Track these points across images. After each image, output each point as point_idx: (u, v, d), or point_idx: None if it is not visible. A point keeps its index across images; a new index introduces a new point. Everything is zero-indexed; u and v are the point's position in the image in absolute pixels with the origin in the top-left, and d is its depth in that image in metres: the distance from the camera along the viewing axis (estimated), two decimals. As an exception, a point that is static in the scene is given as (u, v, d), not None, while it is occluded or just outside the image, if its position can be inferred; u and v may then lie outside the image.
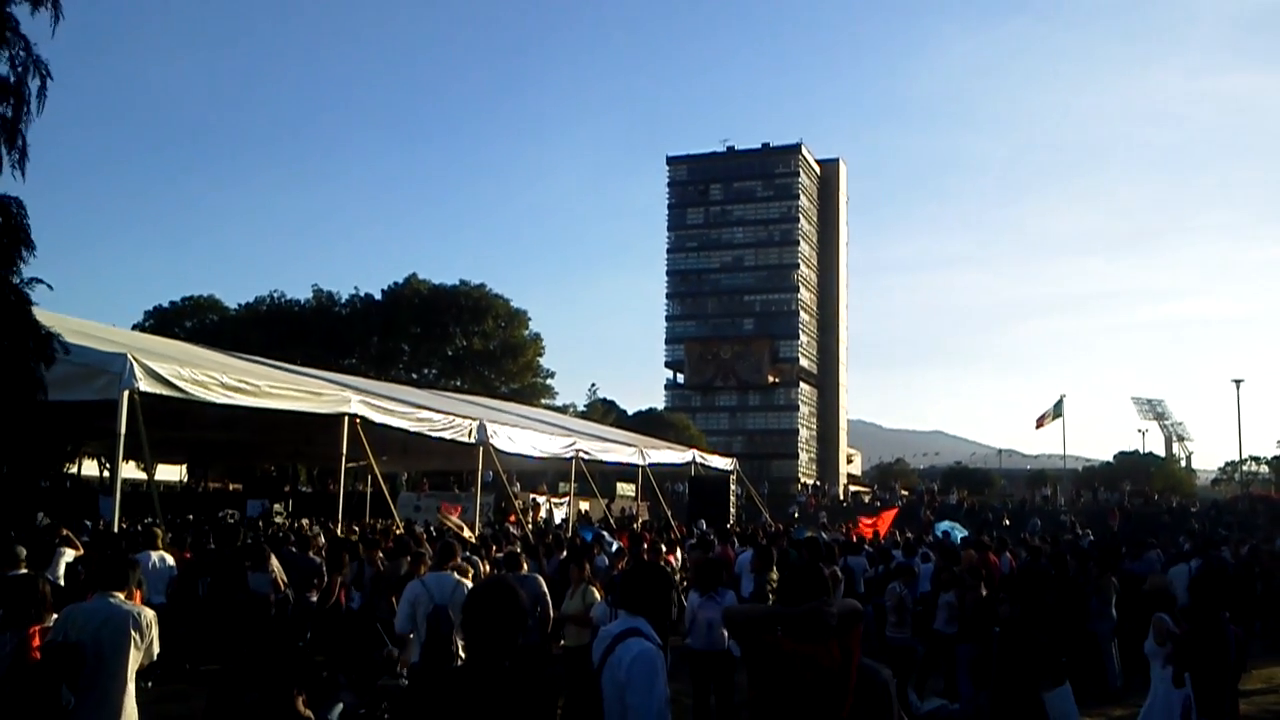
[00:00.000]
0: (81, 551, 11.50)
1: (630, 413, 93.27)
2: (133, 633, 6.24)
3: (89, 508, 26.44)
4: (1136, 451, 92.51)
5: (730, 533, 18.21)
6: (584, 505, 34.06)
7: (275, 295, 71.87)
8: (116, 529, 12.75)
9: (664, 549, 16.55)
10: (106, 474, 35.56)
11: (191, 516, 27.52)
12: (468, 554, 12.45)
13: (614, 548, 17.07)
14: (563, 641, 11.32)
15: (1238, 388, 64.34)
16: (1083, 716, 11.44)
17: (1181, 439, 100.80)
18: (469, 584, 8.61)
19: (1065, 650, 11.86)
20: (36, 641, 6.52)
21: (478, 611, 3.84)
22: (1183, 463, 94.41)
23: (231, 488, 41.45)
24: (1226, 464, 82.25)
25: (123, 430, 11.95)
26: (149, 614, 6.44)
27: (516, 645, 3.78)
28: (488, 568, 13.02)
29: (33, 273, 7.65)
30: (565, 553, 14.01)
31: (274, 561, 12.14)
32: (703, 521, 26.25)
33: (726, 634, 9.73)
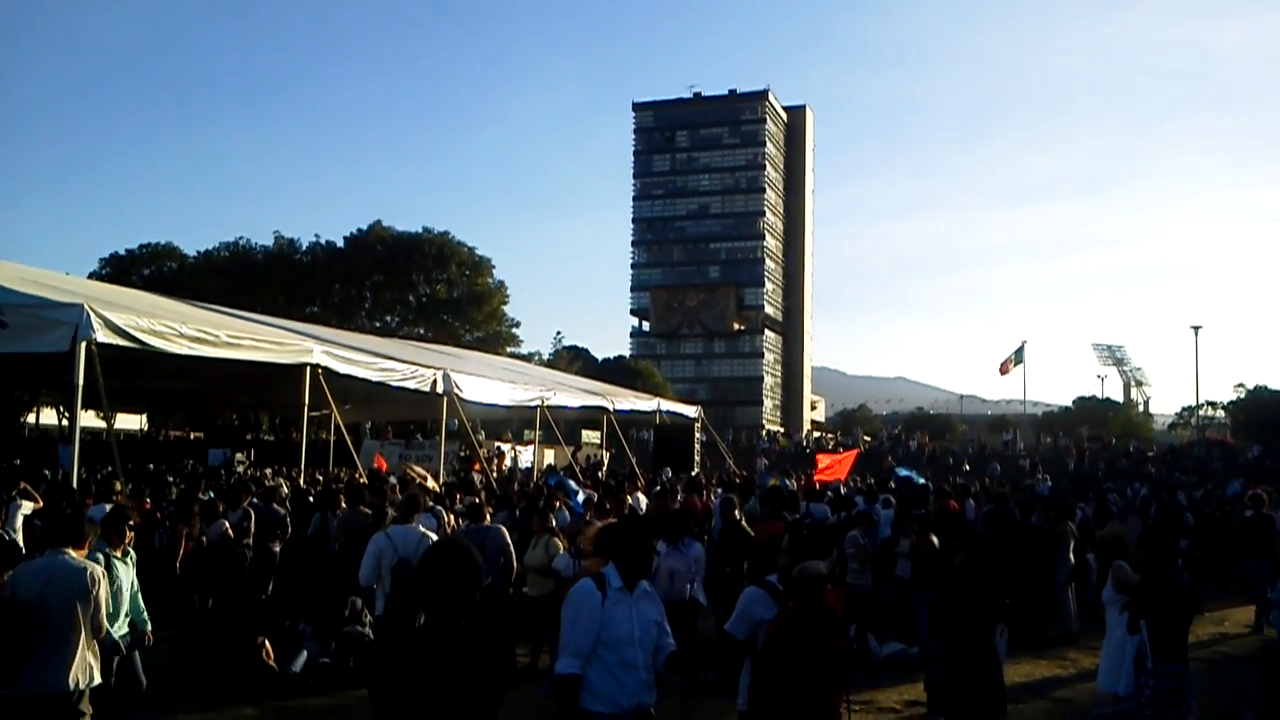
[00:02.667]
0: (40, 504, 11.40)
1: (599, 360, 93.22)
2: (83, 589, 6.19)
3: (48, 457, 26.24)
4: (1095, 397, 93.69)
5: (698, 482, 18.28)
6: (549, 453, 34.10)
7: (239, 242, 70.91)
8: (75, 479, 12.60)
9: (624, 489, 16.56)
10: (66, 423, 35.23)
11: (152, 466, 27.39)
12: (433, 504, 12.46)
13: (579, 496, 17.15)
14: (525, 590, 11.39)
15: (1196, 334, 65.30)
16: (1041, 659, 11.74)
17: (1140, 384, 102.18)
18: (434, 538, 8.63)
19: (1025, 596, 12.10)
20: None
21: (430, 574, 3.83)
22: (1141, 408, 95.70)
23: (193, 436, 41.23)
24: (1184, 409, 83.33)
25: (80, 381, 11.76)
26: (97, 570, 6.39)
27: (472, 605, 3.79)
28: (453, 518, 13.04)
29: None
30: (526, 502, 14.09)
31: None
32: (668, 469, 26.37)
33: (690, 585, 9.83)
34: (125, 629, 7.47)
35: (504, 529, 10.21)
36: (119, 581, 7.41)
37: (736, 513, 11.51)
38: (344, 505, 12.61)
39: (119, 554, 7.56)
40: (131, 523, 7.88)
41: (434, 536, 8.73)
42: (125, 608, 7.48)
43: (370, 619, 9.73)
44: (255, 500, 12.98)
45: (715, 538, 12.58)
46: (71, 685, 6.10)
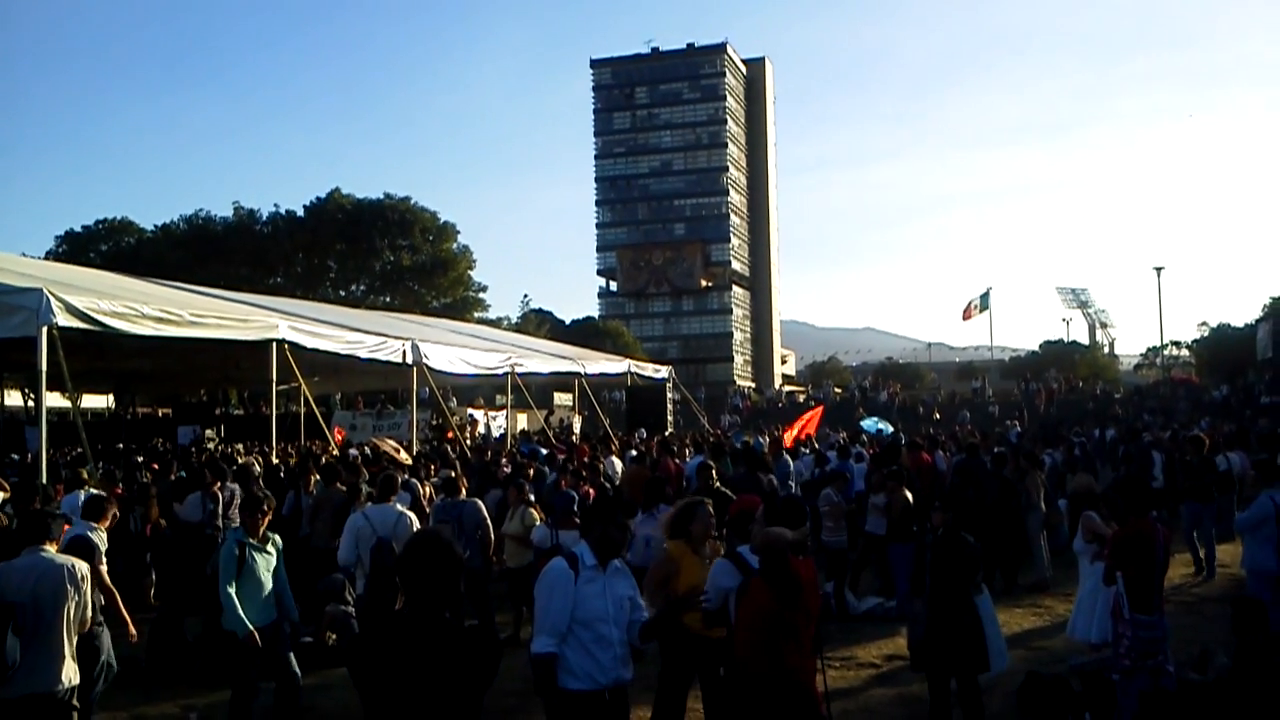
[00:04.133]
0: (9, 493, 11.25)
1: (567, 322, 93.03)
2: (69, 586, 6.17)
3: (15, 439, 25.94)
4: (1061, 340, 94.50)
5: (670, 444, 18.31)
6: (521, 418, 34.08)
7: (198, 214, 70.04)
8: (44, 460, 12.47)
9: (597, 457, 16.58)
10: (31, 403, 34.79)
11: (121, 445, 27.11)
12: (406, 477, 12.42)
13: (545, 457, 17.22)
14: (504, 560, 11.41)
15: (1158, 275, 65.92)
16: (1017, 607, 11.88)
17: (1105, 326, 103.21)
18: (411, 516, 8.61)
19: (998, 546, 12.24)
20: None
21: (411, 567, 3.86)
22: (1106, 350, 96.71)
23: (161, 413, 40.78)
24: (1149, 349, 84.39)
25: (44, 367, 11.62)
26: (83, 567, 6.34)
27: (454, 596, 3.80)
28: (428, 489, 13.00)
29: None
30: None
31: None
32: (643, 430, 26.42)
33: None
34: (273, 613, 7.47)
35: (480, 502, 10.19)
36: (255, 568, 7.40)
37: (714, 476, 11.53)
38: (316, 482, 12.58)
39: (257, 540, 7.51)
40: (113, 510, 7.87)
41: (412, 515, 8.71)
42: (265, 594, 7.46)
43: (352, 597, 9.71)
44: (233, 485, 12.84)
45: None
46: (64, 683, 6.09)
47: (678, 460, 16.66)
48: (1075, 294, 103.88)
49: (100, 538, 8.00)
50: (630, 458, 17.53)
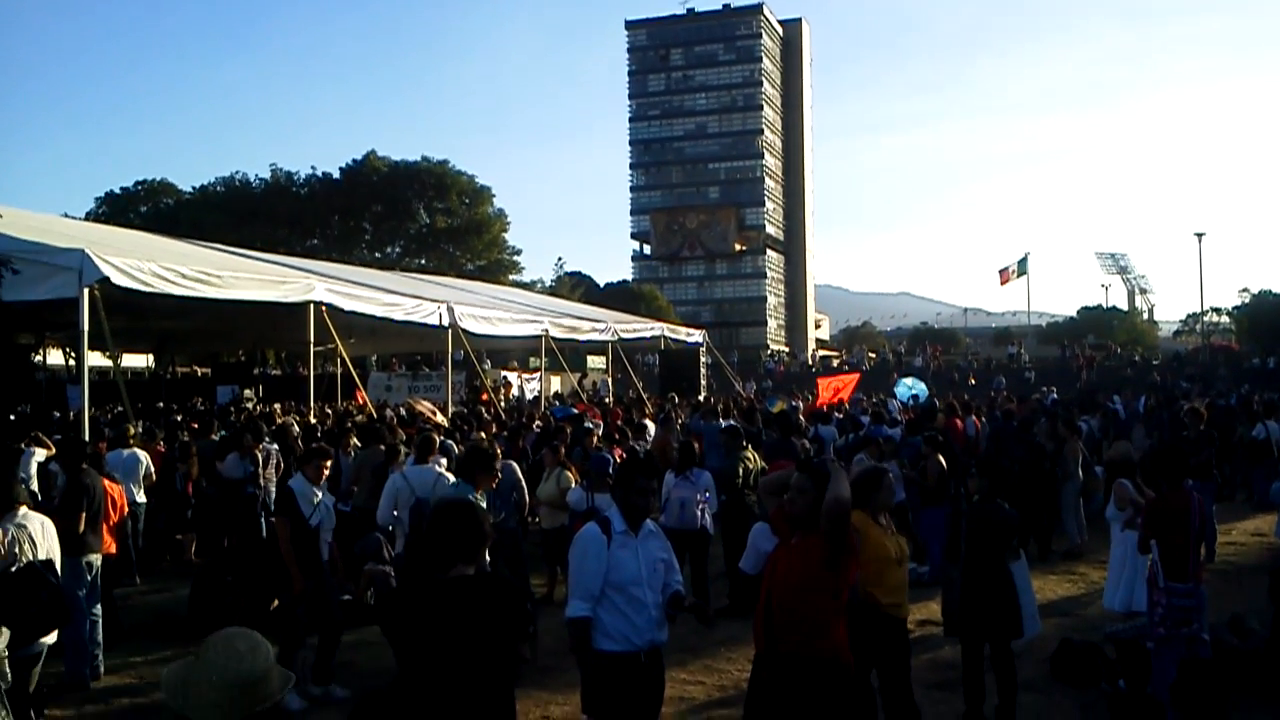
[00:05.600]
0: (53, 451, 11.45)
1: (601, 285, 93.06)
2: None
3: (58, 398, 26.34)
4: (1100, 306, 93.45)
5: (703, 406, 18.34)
6: (555, 380, 34.20)
7: (236, 176, 70.50)
8: (86, 419, 12.67)
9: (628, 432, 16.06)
10: (73, 362, 35.28)
11: (161, 404, 27.47)
12: (443, 440, 12.52)
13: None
14: (539, 522, 11.51)
15: (1199, 240, 64.87)
16: (1051, 574, 11.87)
17: (1144, 292, 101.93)
18: (449, 477, 8.69)
19: (1031, 513, 12.20)
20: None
21: (438, 532, 3.93)
22: (1145, 316, 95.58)
23: (200, 373, 41.26)
24: (1188, 316, 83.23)
25: (85, 327, 11.80)
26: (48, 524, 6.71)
27: (478, 560, 3.87)
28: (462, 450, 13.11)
29: None
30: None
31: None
32: (674, 395, 26.46)
33: (701, 513, 9.92)
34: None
35: (514, 464, 10.27)
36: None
37: (743, 441, 11.54)
38: (355, 443, 12.71)
39: (480, 494, 7.68)
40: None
41: (450, 476, 8.79)
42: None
43: (389, 556, 9.84)
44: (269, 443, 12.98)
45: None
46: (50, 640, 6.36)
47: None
48: (1114, 259, 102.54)
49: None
50: (661, 420, 17.56)
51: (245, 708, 2.65)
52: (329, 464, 8.04)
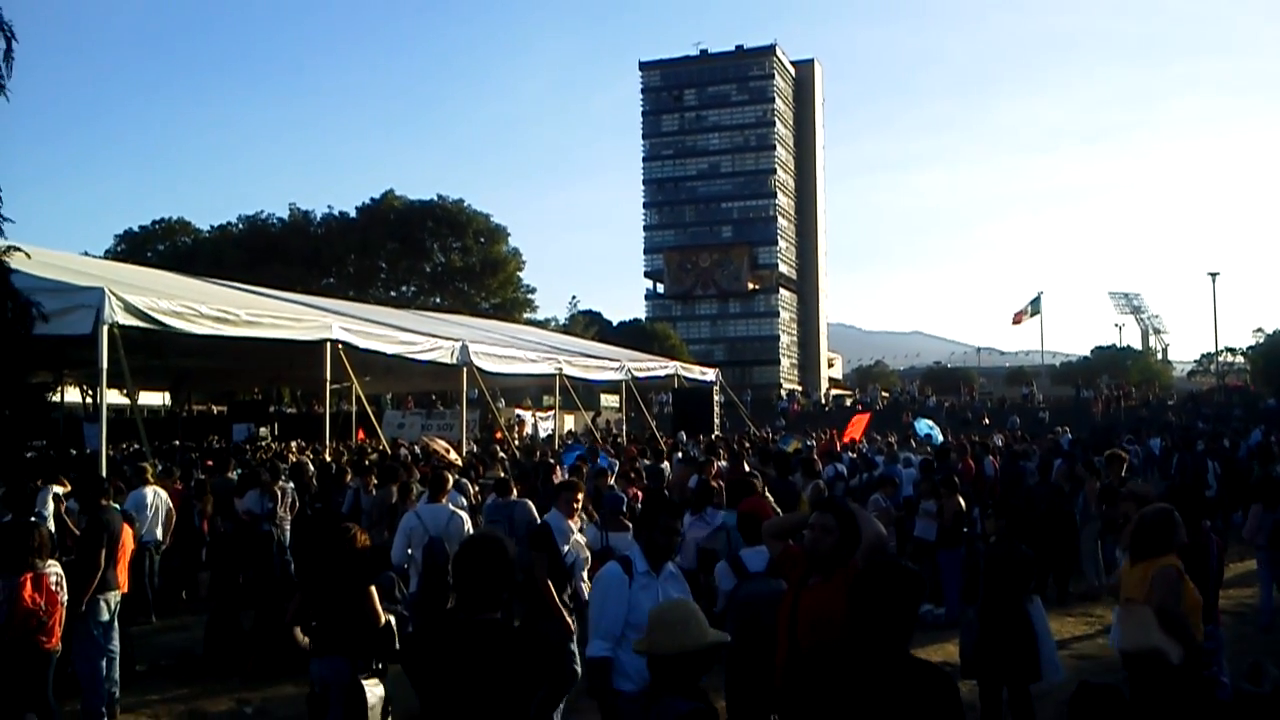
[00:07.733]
0: (69, 488, 11.50)
1: (614, 324, 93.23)
2: None
3: (74, 435, 26.45)
4: (1114, 346, 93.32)
5: (717, 446, 18.28)
6: (569, 419, 34.20)
7: (256, 215, 71.15)
8: (104, 457, 12.73)
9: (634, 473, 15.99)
10: (89, 400, 35.44)
11: (177, 442, 27.57)
12: (457, 478, 12.54)
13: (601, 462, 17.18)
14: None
15: (1213, 280, 64.71)
16: (1068, 616, 11.78)
17: (1158, 332, 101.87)
18: (463, 515, 8.70)
19: (1049, 554, 12.12)
20: (29, 590, 6.58)
21: (466, 568, 3.93)
22: (1159, 355, 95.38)
23: (216, 411, 41.41)
24: (1203, 355, 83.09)
25: (104, 365, 11.89)
26: None
27: (504, 599, 3.88)
28: (476, 490, 13.13)
29: (9, 198, 7.17)
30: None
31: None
32: (683, 434, 26.42)
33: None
34: None
35: (529, 503, 10.27)
36: None
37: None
38: (375, 482, 12.74)
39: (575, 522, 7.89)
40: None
41: (464, 515, 8.81)
42: None
43: (402, 595, 9.83)
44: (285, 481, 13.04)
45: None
46: None
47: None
48: (1128, 299, 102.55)
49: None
50: (678, 460, 17.52)
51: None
52: (580, 496, 7.98)
